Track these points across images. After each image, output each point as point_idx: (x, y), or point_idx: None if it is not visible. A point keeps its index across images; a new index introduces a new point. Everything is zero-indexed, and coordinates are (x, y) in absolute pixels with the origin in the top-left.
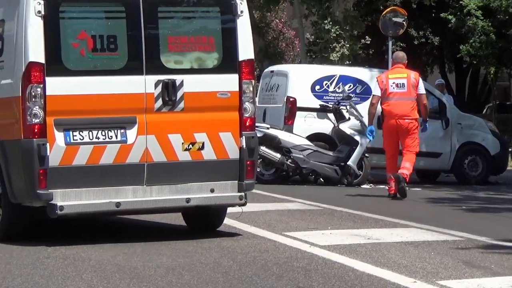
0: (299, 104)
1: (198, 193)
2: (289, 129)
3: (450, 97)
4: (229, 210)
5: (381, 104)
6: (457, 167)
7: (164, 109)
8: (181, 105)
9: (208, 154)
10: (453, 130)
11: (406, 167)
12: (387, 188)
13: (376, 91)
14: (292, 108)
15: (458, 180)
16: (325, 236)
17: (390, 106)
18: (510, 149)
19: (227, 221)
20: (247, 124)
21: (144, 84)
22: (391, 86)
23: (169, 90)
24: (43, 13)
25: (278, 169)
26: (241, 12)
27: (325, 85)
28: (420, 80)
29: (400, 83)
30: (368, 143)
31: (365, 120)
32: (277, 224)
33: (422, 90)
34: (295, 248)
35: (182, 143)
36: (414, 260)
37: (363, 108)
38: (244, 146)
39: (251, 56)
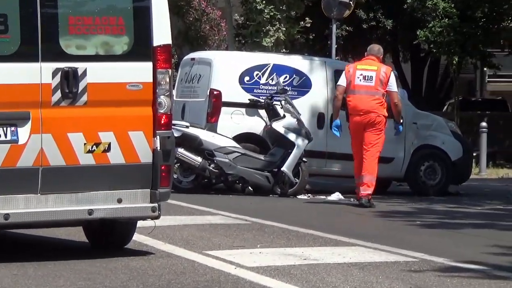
0: (224, 98)
1: (103, 204)
2: (213, 128)
3: (404, 91)
4: (140, 224)
5: (345, 98)
6: (411, 175)
7: (63, 103)
8: (84, 98)
9: (115, 157)
10: (407, 130)
11: (366, 183)
12: (352, 199)
13: (341, 81)
14: (216, 103)
15: (413, 190)
16: (253, 255)
17: (354, 100)
18: (474, 154)
19: (137, 237)
20: (162, 121)
21: (39, 73)
22: (358, 78)
23: (69, 80)
24: None
25: (198, 176)
26: None
27: (256, 76)
28: (392, 76)
29: (368, 76)
30: (306, 145)
31: (304, 118)
32: (197, 241)
33: (393, 87)
34: (217, 269)
35: (85, 144)
36: (359, 284)
37: (301, 104)
38: (159, 147)
39: (168, 40)
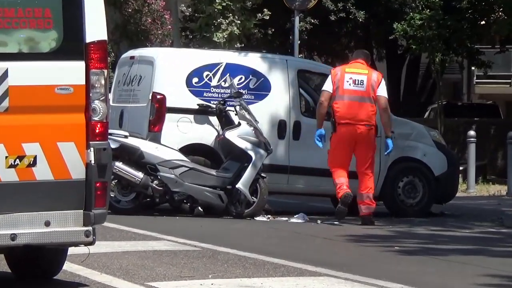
0: (169, 103)
1: (28, 227)
2: (156, 138)
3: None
4: (71, 250)
5: (331, 105)
6: (387, 193)
7: None
8: (5, 103)
9: (42, 172)
10: (383, 141)
11: (368, 203)
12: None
13: (327, 86)
14: (159, 108)
15: (390, 210)
16: (204, 287)
17: (343, 107)
18: (461, 168)
19: (68, 266)
20: (97, 130)
21: None
22: (347, 82)
23: None
24: None
25: (139, 194)
26: None
27: (206, 77)
28: (383, 82)
29: (358, 80)
30: (264, 158)
31: (262, 126)
32: (138, 270)
33: (383, 91)
34: None
35: (6, 157)
36: None
37: (259, 109)
38: (93, 161)
39: (103, 36)
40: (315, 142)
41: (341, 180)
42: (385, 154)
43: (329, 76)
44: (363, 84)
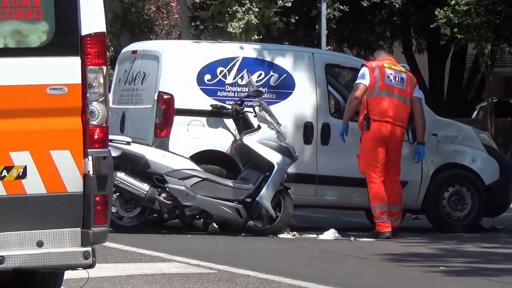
0: (178, 104)
1: (18, 249)
2: (163, 145)
3: (419, 92)
4: (68, 274)
5: (366, 101)
6: (431, 205)
7: None
8: None
9: (33, 185)
10: (425, 145)
11: (399, 214)
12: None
13: (364, 78)
14: (167, 110)
15: (434, 224)
16: None
17: (383, 103)
18: None
19: None
20: (96, 136)
21: None
22: (388, 77)
23: None
24: None
25: (145, 209)
26: None
27: (220, 73)
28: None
29: (399, 77)
30: (288, 166)
31: (286, 129)
32: None
33: (419, 93)
34: None
35: None
36: None
37: (282, 110)
38: (91, 172)
39: (101, 27)
40: (340, 138)
41: (384, 207)
42: (415, 161)
43: (365, 69)
44: (403, 83)
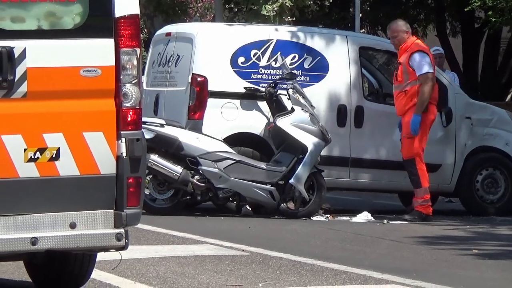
0: (212, 87)
1: (51, 230)
2: (197, 127)
3: (453, 74)
4: (101, 256)
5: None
6: (464, 188)
7: None
8: (23, 88)
9: (67, 167)
10: (459, 128)
11: None
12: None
13: (431, 66)
14: (200, 93)
15: (467, 207)
16: None
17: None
18: None
19: (96, 274)
20: (129, 118)
21: None
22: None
23: (3, 64)
24: None
25: (178, 191)
26: None
27: (254, 56)
28: None
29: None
30: (322, 149)
31: (320, 112)
32: (177, 279)
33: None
34: None
35: (25, 150)
36: None
37: (315, 93)
38: (124, 154)
39: (135, 9)
40: (413, 133)
41: (428, 192)
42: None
43: (428, 55)
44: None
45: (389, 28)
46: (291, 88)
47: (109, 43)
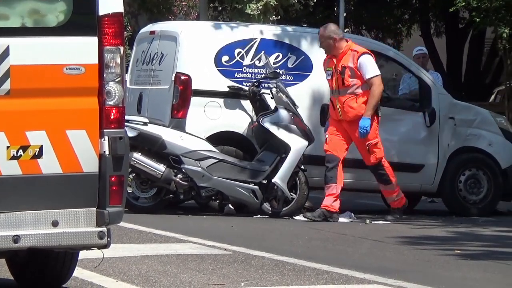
0: (195, 85)
1: (33, 228)
2: (180, 125)
3: (437, 75)
4: (83, 254)
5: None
6: (447, 188)
7: None
8: (6, 86)
9: (49, 165)
10: (442, 128)
11: None
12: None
13: (378, 69)
14: (184, 91)
15: (449, 208)
16: None
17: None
18: None
19: (78, 272)
20: (112, 117)
21: None
22: None
23: None
24: None
25: (161, 190)
26: None
27: (238, 55)
28: None
29: None
30: (305, 148)
31: (302, 111)
32: (160, 277)
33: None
34: None
35: (8, 148)
36: None
37: (299, 92)
38: (107, 152)
39: (119, 8)
40: (362, 136)
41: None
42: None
43: (372, 59)
44: None
45: (318, 31)
46: (274, 87)
47: (93, 41)
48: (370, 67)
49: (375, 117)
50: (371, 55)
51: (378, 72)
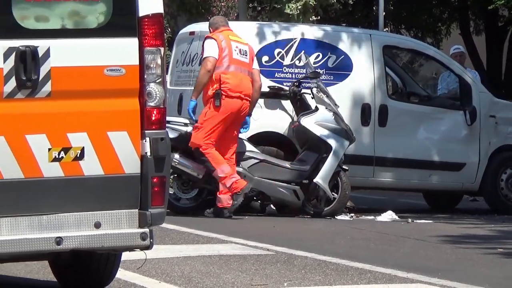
0: None
1: (75, 230)
2: None
3: (476, 73)
4: (125, 256)
5: (214, 76)
6: (489, 187)
7: (20, 94)
8: (47, 88)
9: (91, 166)
10: (483, 127)
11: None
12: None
13: (212, 51)
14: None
15: (491, 206)
16: None
17: (234, 78)
18: None
19: (121, 274)
20: (153, 118)
21: None
22: (235, 50)
23: (27, 64)
24: None
25: (202, 191)
26: None
27: (278, 55)
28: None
29: (243, 50)
30: (346, 147)
31: (343, 111)
32: (202, 278)
33: (257, 65)
34: None
35: (49, 150)
36: None
37: (339, 92)
38: (149, 153)
39: (159, 8)
40: (189, 114)
41: (228, 169)
42: (242, 131)
43: (212, 41)
44: (247, 56)
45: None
46: (315, 87)
47: (133, 42)
48: (203, 49)
49: (213, 105)
50: (211, 38)
51: (206, 54)
